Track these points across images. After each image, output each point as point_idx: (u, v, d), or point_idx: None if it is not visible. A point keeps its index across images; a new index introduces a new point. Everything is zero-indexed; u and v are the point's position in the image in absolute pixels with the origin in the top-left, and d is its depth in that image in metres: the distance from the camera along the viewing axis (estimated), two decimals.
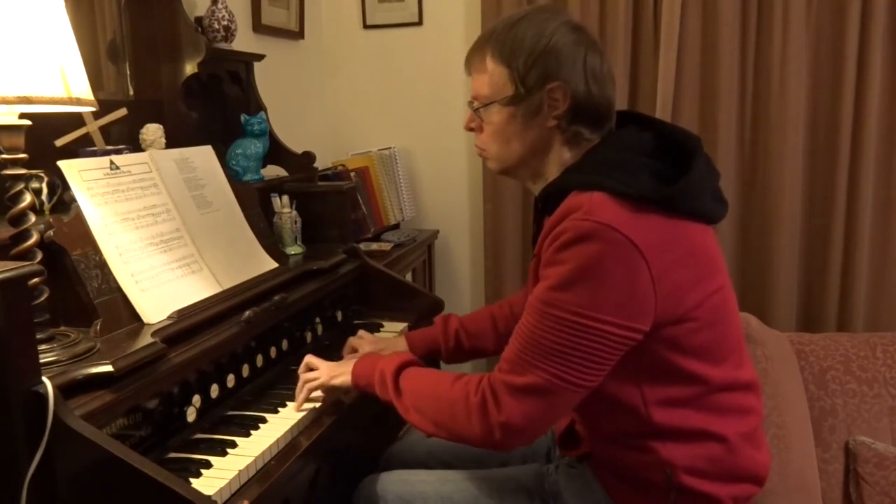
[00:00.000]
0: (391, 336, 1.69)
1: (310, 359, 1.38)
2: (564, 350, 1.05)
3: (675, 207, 1.08)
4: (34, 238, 1.08)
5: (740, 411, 1.18)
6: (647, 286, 1.04)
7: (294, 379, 1.43)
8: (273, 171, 2.07)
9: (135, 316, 1.24)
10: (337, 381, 1.33)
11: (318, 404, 1.34)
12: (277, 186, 1.91)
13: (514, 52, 1.15)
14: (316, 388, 1.34)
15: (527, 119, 1.17)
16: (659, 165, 1.12)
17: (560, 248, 1.05)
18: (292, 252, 1.82)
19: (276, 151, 2.02)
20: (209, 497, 0.97)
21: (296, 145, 2.09)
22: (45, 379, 0.93)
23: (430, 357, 1.62)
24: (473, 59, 1.22)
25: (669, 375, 1.12)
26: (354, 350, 1.55)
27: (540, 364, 1.06)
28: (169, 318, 1.26)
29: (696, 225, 1.12)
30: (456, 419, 1.14)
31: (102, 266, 1.23)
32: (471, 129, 1.26)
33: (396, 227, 2.81)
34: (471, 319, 1.59)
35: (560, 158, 1.19)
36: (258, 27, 2.39)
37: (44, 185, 1.23)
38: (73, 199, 1.25)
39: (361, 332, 1.61)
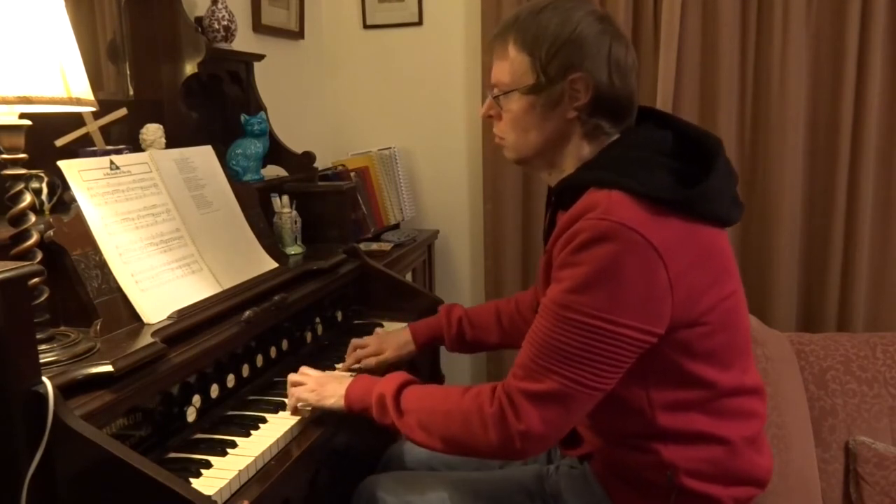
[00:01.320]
0: (393, 330, 1.69)
1: (293, 377, 1.34)
2: (581, 354, 1.03)
3: (694, 210, 1.06)
4: (34, 238, 1.08)
5: (745, 415, 1.17)
6: (665, 288, 1.02)
7: None
8: (273, 171, 2.07)
9: (135, 316, 1.24)
10: (328, 403, 1.27)
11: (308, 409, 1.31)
12: (277, 186, 1.90)
13: (537, 41, 1.13)
14: (304, 403, 1.30)
15: (546, 109, 1.15)
16: (678, 165, 1.10)
17: (576, 249, 1.03)
18: (292, 252, 1.82)
19: (276, 151, 2.02)
20: (209, 497, 0.97)
21: (296, 145, 2.09)
22: (45, 379, 0.93)
23: (433, 345, 1.61)
24: (496, 45, 1.19)
25: (678, 379, 1.11)
26: (357, 348, 1.56)
27: (557, 369, 1.04)
28: (169, 318, 1.26)
29: (712, 227, 1.11)
30: (471, 432, 1.10)
31: (102, 266, 1.22)
32: (489, 117, 1.23)
33: (396, 227, 2.81)
34: (475, 311, 1.59)
35: (578, 151, 1.17)
36: (258, 27, 2.38)
37: (44, 185, 1.23)
38: (73, 199, 1.24)
39: (366, 339, 1.61)
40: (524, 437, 1.06)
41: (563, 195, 1.15)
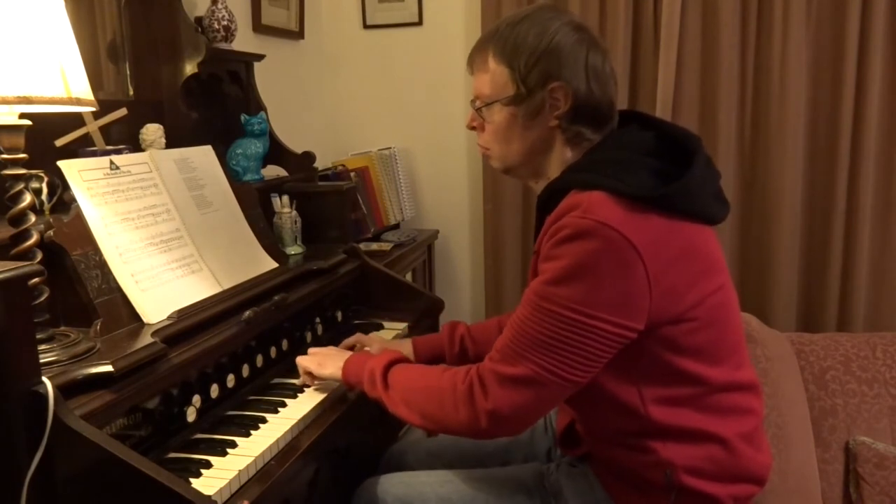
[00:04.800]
0: (397, 340, 1.69)
1: (310, 350, 1.43)
2: (555, 344, 1.05)
3: (674, 207, 1.08)
4: (34, 238, 1.08)
5: (740, 412, 1.18)
6: (643, 285, 1.04)
7: (294, 378, 1.44)
8: (273, 171, 2.07)
9: (135, 316, 1.24)
10: (326, 373, 1.35)
11: (324, 395, 1.36)
12: (277, 186, 1.91)
13: (515, 52, 1.15)
14: (306, 370, 1.38)
15: (528, 119, 1.17)
16: (660, 165, 1.11)
17: (557, 243, 1.06)
18: (292, 252, 1.82)
19: (276, 151, 2.02)
20: (209, 497, 0.97)
21: (296, 145, 2.09)
22: (45, 379, 0.93)
23: (434, 361, 1.62)
24: (476, 58, 1.22)
25: (667, 375, 1.12)
26: (359, 344, 1.58)
27: (530, 356, 1.07)
28: (169, 318, 1.26)
29: (696, 225, 1.12)
30: (443, 408, 1.15)
31: (102, 266, 1.23)
32: (473, 128, 1.27)
33: (396, 227, 2.81)
34: (478, 327, 1.59)
35: (561, 157, 1.19)
36: (258, 27, 2.39)
37: (44, 185, 1.23)
38: (73, 199, 1.24)
39: (372, 334, 1.63)
40: (490, 416, 1.09)
41: (550, 199, 1.17)
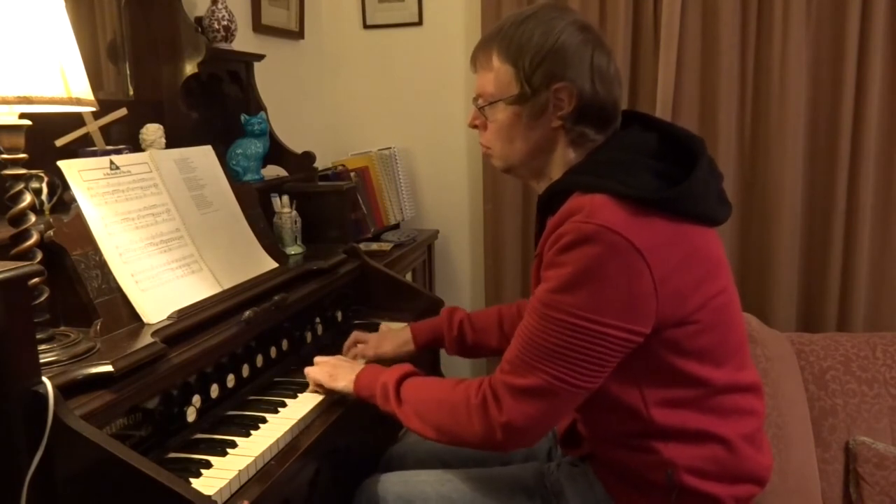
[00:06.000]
0: (396, 327, 1.69)
1: (316, 360, 1.41)
2: (565, 352, 1.05)
3: (678, 209, 1.07)
4: (34, 238, 1.08)
5: (742, 413, 1.17)
6: (649, 289, 1.03)
7: (294, 378, 1.43)
8: (273, 171, 2.07)
9: (135, 316, 1.24)
10: (339, 386, 1.34)
11: (323, 396, 1.36)
12: (277, 186, 1.91)
13: (520, 51, 1.14)
14: (317, 382, 1.37)
15: (531, 118, 1.16)
16: (663, 166, 1.11)
17: (561, 250, 1.05)
18: (292, 252, 1.82)
19: (276, 151, 2.02)
20: (209, 497, 0.97)
21: (296, 145, 2.10)
22: (45, 379, 0.93)
23: (433, 346, 1.62)
24: (480, 56, 1.21)
25: (670, 377, 1.12)
26: (357, 342, 1.58)
27: (541, 366, 1.06)
28: (169, 318, 1.26)
29: (699, 227, 1.12)
30: (457, 421, 1.14)
31: (102, 266, 1.22)
32: (475, 127, 1.26)
33: (396, 227, 2.81)
34: (478, 315, 1.60)
35: (564, 158, 1.18)
36: (258, 27, 2.39)
37: (44, 185, 1.23)
38: (73, 199, 1.24)
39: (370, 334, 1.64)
40: (505, 429, 1.09)
41: (551, 200, 1.17)
